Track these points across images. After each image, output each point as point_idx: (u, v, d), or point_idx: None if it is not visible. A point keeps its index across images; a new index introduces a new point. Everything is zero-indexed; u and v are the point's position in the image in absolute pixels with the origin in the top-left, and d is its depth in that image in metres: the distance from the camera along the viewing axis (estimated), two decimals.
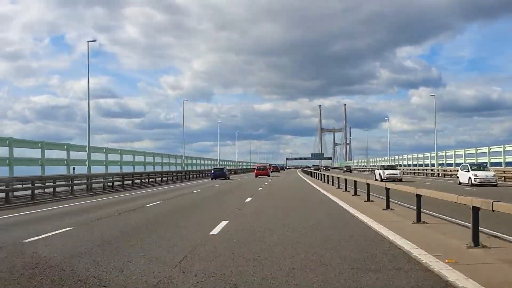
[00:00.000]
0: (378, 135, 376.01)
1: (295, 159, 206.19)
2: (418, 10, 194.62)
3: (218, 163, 79.20)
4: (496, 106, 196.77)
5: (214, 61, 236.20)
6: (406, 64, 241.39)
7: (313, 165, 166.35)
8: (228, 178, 48.66)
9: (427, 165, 61.01)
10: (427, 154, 63.05)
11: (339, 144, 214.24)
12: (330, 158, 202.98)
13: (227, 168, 62.52)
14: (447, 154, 56.10)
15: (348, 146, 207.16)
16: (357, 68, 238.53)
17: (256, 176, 52.20)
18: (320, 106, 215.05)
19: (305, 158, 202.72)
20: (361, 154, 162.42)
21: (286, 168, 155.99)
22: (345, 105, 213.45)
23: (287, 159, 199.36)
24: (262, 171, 55.84)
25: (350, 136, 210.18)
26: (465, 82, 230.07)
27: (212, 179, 46.51)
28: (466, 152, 49.75)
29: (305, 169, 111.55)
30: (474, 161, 45.83)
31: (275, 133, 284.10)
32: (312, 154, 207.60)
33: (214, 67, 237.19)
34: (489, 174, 29.00)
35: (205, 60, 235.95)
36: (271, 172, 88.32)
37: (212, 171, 50.32)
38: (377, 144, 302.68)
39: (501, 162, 41.12)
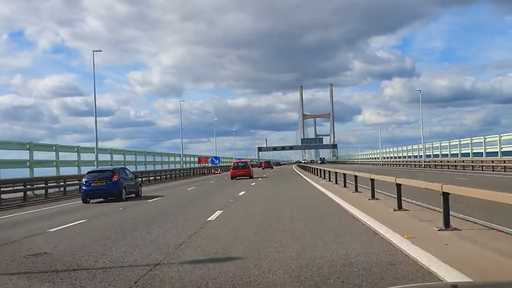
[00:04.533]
0: (352, 127, 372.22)
1: (274, 149, 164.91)
2: None
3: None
4: (470, 96, 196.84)
5: (183, 54, 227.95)
6: (379, 55, 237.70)
7: (297, 161, 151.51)
8: (138, 195, 20.75)
9: (415, 156, 61.76)
10: (416, 146, 64.44)
11: (323, 137, 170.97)
12: (334, 147, 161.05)
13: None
14: (434, 145, 57.02)
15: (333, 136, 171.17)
16: (330, 60, 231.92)
17: (233, 178, 35.47)
18: (301, 86, 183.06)
19: (290, 147, 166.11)
20: (342, 148, 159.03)
21: (282, 164, 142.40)
22: (331, 84, 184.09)
23: (259, 149, 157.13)
24: (241, 170, 36.66)
25: (333, 127, 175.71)
26: (439, 72, 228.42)
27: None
28: (461, 143, 48.38)
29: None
30: (458, 152, 46.78)
31: (251, 128, 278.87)
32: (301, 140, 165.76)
33: (183, 61, 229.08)
34: None
35: (173, 53, 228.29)
36: (263, 168, 78.19)
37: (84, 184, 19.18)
38: (352, 137, 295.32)
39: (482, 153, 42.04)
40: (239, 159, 79.07)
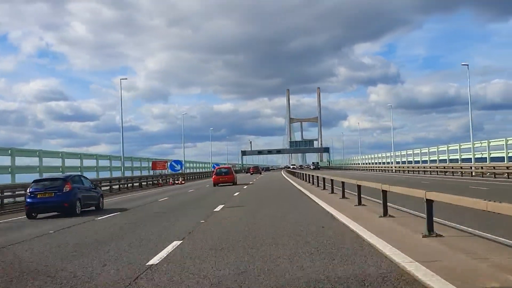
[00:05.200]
0: (338, 133, 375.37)
1: (260, 152, 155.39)
2: (374, 4, 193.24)
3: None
4: (453, 102, 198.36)
5: (169, 59, 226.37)
6: (364, 61, 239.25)
7: (286, 166, 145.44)
8: (99, 208, 18.18)
9: (404, 162, 61.27)
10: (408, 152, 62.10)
11: (312, 141, 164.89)
12: (326, 150, 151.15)
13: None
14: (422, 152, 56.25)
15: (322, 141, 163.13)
16: (316, 66, 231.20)
17: (215, 185, 34.55)
18: (288, 89, 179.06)
19: (278, 151, 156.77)
20: (335, 152, 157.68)
21: (270, 169, 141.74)
22: (318, 88, 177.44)
23: (243, 153, 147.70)
24: (224, 176, 35.82)
25: (321, 131, 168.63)
26: (422, 79, 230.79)
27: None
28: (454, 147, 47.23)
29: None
30: (446, 157, 47.21)
31: (237, 133, 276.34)
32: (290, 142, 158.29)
33: (169, 66, 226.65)
34: None
35: (159, 58, 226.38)
36: (251, 174, 77.78)
37: (29, 196, 16.21)
38: (337, 142, 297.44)
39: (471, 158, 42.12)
40: (217, 164, 73.35)
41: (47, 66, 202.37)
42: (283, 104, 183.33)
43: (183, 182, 48.72)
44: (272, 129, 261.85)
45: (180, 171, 55.54)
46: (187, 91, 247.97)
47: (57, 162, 31.89)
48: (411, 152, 58.88)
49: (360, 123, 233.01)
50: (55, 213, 15.93)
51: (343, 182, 16.96)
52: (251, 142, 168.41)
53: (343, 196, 16.51)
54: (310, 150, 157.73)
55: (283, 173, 73.88)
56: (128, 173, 44.24)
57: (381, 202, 10.86)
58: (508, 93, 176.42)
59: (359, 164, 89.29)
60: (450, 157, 46.40)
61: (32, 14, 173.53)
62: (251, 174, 77.60)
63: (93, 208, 17.48)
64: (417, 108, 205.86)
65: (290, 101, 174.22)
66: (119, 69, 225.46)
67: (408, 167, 55.68)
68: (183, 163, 58.88)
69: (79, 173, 22.46)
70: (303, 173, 39.42)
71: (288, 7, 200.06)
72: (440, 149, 49.83)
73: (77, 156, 36.34)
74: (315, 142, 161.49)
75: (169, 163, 53.79)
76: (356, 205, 13.52)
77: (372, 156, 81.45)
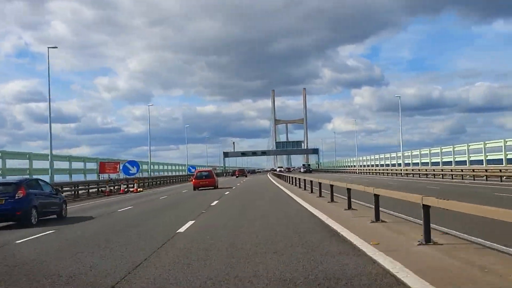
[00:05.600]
0: (323, 135, 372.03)
1: (243, 154, 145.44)
2: (360, 6, 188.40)
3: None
4: (437, 105, 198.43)
5: (151, 60, 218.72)
6: (348, 63, 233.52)
7: (272, 168, 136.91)
8: (62, 216, 16.16)
9: (393, 165, 60.84)
10: (397, 154, 61.54)
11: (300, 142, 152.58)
12: (315, 152, 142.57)
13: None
14: (413, 153, 56.19)
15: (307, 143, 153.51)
16: (300, 68, 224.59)
17: (195, 189, 33.06)
18: (273, 90, 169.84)
19: (264, 152, 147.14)
20: (326, 154, 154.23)
21: (256, 172, 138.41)
22: (304, 88, 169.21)
23: (225, 155, 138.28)
24: (205, 179, 34.31)
25: (307, 132, 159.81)
26: (407, 81, 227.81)
27: None
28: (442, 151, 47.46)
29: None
30: (439, 160, 46.81)
31: (220, 135, 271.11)
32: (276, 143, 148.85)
33: (151, 66, 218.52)
34: None
35: (141, 59, 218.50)
36: (237, 176, 76.79)
37: None
38: (321, 145, 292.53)
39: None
40: (193, 167, 69.80)
41: (26, 66, 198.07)
42: (267, 106, 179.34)
43: (139, 190, 37.89)
44: (257, 131, 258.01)
45: (137, 175, 44.74)
46: (170, 92, 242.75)
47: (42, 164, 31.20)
48: (418, 153, 53.45)
49: (345, 125, 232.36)
50: (8, 223, 13.81)
51: (348, 189, 13.68)
52: (234, 143, 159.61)
53: (377, 219, 10.69)
54: (298, 152, 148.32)
55: (269, 176, 66.65)
56: (63, 178, 36.52)
57: (421, 222, 7.60)
58: (491, 96, 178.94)
59: (354, 166, 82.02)
60: (449, 159, 45.35)
61: (10, 13, 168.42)
62: (237, 176, 77.00)
63: (55, 216, 15.51)
64: (401, 110, 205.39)
65: (275, 103, 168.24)
66: (100, 70, 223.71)
67: (421, 170, 48.13)
68: (139, 165, 46.17)
69: (36, 177, 19.56)
70: (294, 178, 33.23)
71: (273, 8, 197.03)
72: (444, 150, 46.57)
73: (66, 159, 35.87)
74: (302, 144, 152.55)
75: (122, 165, 42.98)
76: (373, 221, 10.40)
77: (372, 157, 73.60)
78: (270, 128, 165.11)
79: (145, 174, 55.01)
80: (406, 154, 58.40)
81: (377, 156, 71.06)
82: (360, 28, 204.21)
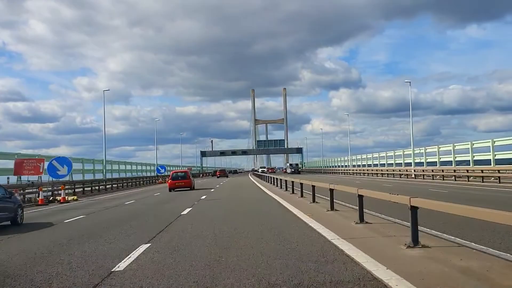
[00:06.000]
0: (302, 137, 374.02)
1: (222, 153, 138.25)
2: (337, 9, 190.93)
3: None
4: (412, 107, 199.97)
5: (131, 60, 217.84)
6: (327, 65, 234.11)
7: (253, 169, 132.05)
8: (17, 223, 13.82)
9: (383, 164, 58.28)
10: (388, 153, 58.47)
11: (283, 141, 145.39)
12: (299, 151, 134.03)
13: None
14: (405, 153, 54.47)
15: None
16: (280, 69, 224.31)
17: (171, 190, 32.07)
18: (253, 90, 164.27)
19: (244, 151, 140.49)
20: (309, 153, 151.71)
21: (238, 171, 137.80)
22: (284, 88, 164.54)
23: (202, 154, 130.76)
24: (181, 180, 33.35)
25: (287, 132, 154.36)
26: (383, 84, 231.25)
27: None
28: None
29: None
30: (453, 159, 45.28)
31: (200, 136, 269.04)
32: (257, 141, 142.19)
33: (131, 66, 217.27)
34: None
35: (120, 59, 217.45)
36: (218, 177, 76.30)
37: None
38: (306, 145, 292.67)
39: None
40: (162, 167, 65.78)
41: (3, 66, 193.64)
42: (247, 107, 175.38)
43: (71, 199, 27.29)
44: (236, 132, 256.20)
45: (66, 178, 32.92)
46: (150, 93, 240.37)
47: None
48: (419, 151, 47.47)
49: (323, 126, 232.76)
50: None
51: (360, 196, 10.09)
52: (212, 141, 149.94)
53: (361, 220, 9.99)
54: (281, 151, 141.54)
55: (251, 178, 62.15)
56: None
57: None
58: (464, 99, 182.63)
59: (346, 166, 73.92)
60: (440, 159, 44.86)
61: None
62: (218, 177, 77.05)
63: (8, 223, 13.46)
64: (377, 112, 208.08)
65: (255, 104, 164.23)
66: (79, 70, 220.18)
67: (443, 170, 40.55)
68: (71, 162, 32.11)
69: None
70: (280, 180, 28.80)
71: (253, 9, 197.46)
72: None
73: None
74: (285, 143, 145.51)
75: (46, 164, 30.52)
76: (409, 249, 7.24)
77: (369, 156, 65.19)
78: (250, 129, 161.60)
79: (100, 176, 45.74)
80: (406, 152, 52.18)
81: (374, 155, 62.96)
82: (338, 31, 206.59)
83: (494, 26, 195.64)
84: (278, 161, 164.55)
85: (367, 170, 61.30)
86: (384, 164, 57.47)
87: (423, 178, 39.87)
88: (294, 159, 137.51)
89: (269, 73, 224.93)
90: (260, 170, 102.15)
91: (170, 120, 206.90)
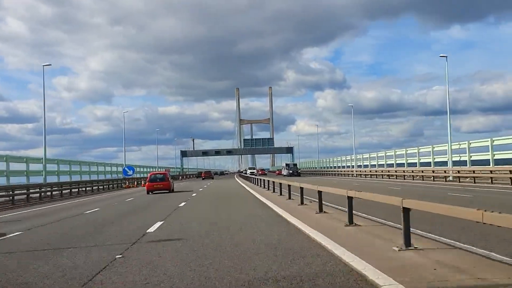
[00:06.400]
0: (287, 138, 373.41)
1: (205, 153, 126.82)
2: (323, 8, 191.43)
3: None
4: (396, 108, 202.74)
5: (112, 59, 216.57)
6: (312, 66, 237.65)
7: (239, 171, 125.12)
8: None
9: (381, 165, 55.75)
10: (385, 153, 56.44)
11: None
12: (289, 151, 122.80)
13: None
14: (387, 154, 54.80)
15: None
16: (265, 69, 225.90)
17: (149, 192, 31.01)
18: (237, 88, 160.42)
19: (229, 151, 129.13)
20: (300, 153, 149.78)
21: (225, 173, 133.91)
22: (270, 87, 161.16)
23: (182, 154, 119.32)
24: (159, 182, 31.86)
25: (273, 132, 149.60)
26: (367, 85, 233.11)
27: None
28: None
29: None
30: (432, 160, 44.61)
31: (184, 137, 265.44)
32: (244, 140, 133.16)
33: (113, 66, 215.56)
34: None
35: (102, 58, 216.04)
36: (203, 178, 74.12)
37: None
38: (298, 145, 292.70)
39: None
40: (129, 168, 56.62)
41: None
42: (231, 108, 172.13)
43: None
44: (220, 133, 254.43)
45: None
46: (132, 92, 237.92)
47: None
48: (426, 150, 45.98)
49: (308, 127, 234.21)
50: None
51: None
52: (193, 140, 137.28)
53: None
54: (270, 151, 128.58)
55: (238, 180, 56.18)
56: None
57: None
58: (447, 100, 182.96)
59: (349, 167, 66.71)
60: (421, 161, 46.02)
61: None
62: (203, 179, 75.43)
63: None
64: (361, 113, 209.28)
65: (240, 104, 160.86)
66: (59, 69, 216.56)
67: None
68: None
69: None
70: (279, 184, 22.08)
71: (238, 8, 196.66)
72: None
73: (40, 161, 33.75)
74: (273, 142, 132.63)
75: None
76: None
77: (372, 155, 60.30)
78: (234, 129, 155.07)
79: (40, 180, 36.74)
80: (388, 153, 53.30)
81: (379, 154, 57.54)
82: (324, 30, 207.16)
83: (477, 27, 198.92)
84: (263, 162, 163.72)
85: (376, 171, 52.65)
86: (400, 163, 49.90)
87: (404, 179, 40.08)
88: (284, 159, 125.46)
89: (254, 73, 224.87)
90: (249, 172, 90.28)
91: (153, 121, 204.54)
